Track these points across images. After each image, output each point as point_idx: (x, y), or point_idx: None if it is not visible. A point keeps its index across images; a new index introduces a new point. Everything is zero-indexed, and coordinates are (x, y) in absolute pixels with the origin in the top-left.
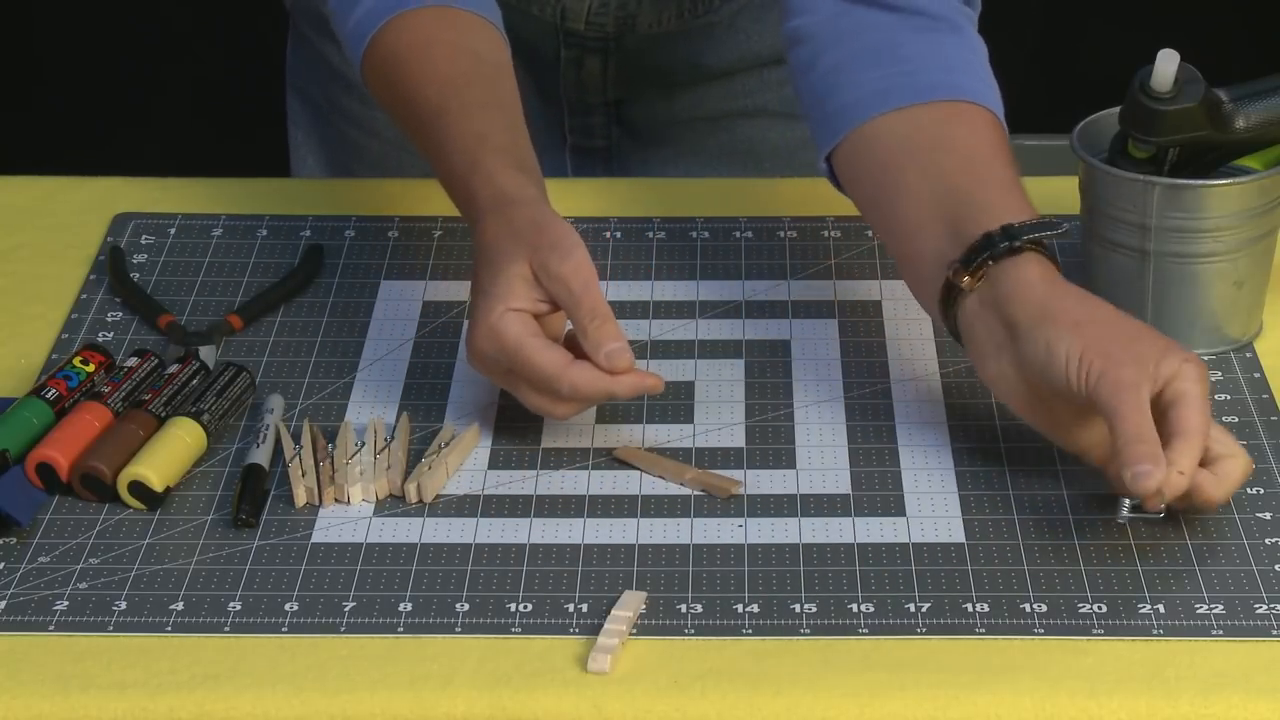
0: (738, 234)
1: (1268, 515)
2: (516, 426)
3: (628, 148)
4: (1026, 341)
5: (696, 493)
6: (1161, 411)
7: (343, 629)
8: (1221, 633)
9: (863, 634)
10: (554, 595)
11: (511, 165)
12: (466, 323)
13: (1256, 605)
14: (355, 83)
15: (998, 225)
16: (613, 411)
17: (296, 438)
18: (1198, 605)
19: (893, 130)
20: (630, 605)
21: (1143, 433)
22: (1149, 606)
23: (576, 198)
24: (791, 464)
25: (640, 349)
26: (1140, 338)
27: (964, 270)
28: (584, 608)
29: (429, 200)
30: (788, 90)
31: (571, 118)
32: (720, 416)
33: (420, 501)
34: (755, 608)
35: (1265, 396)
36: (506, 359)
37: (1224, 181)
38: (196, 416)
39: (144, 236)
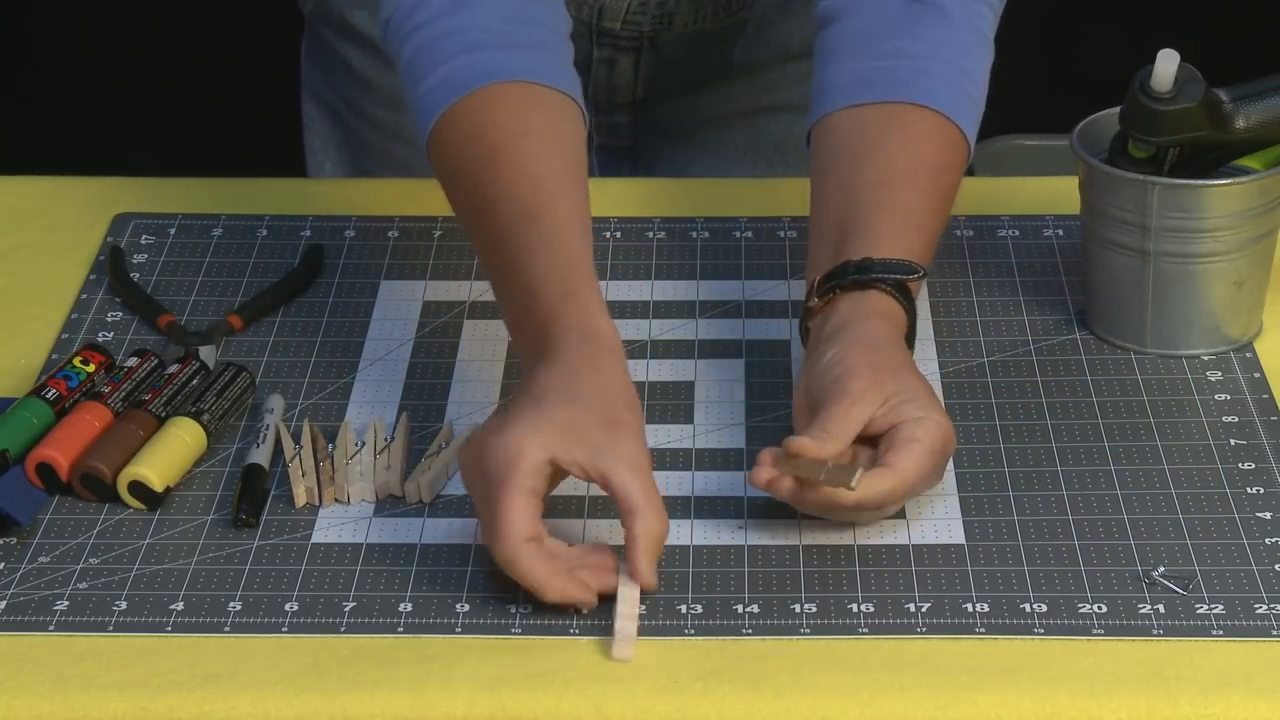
0: (738, 234)
1: (1268, 515)
2: None
3: (654, 146)
4: (825, 347)
5: (696, 493)
6: (883, 450)
7: (343, 629)
8: (1221, 633)
9: (863, 634)
10: None
11: (595, 314)
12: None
13: (1256, 605)
14: (377, 87)
15: (862, 256)
16: None
17: (296, 438)
18: (1197, 605)
19: (840, 128)
20: (630, 586)
21: (829, 426)
22: (1149, 607)
23: None
24: None
25: (640, 349)
26: (902, 380)
27: (815, 293)
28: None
29: (429, 200)
30: (811, 84)
31: (598, 118)
32: (720, 416)
33: (420, 502)
34: (755, 608)
35: (1265, 396)
36: (492, 483)
37: (1224, 181)
38: (196, 416)
39: (144, 236)
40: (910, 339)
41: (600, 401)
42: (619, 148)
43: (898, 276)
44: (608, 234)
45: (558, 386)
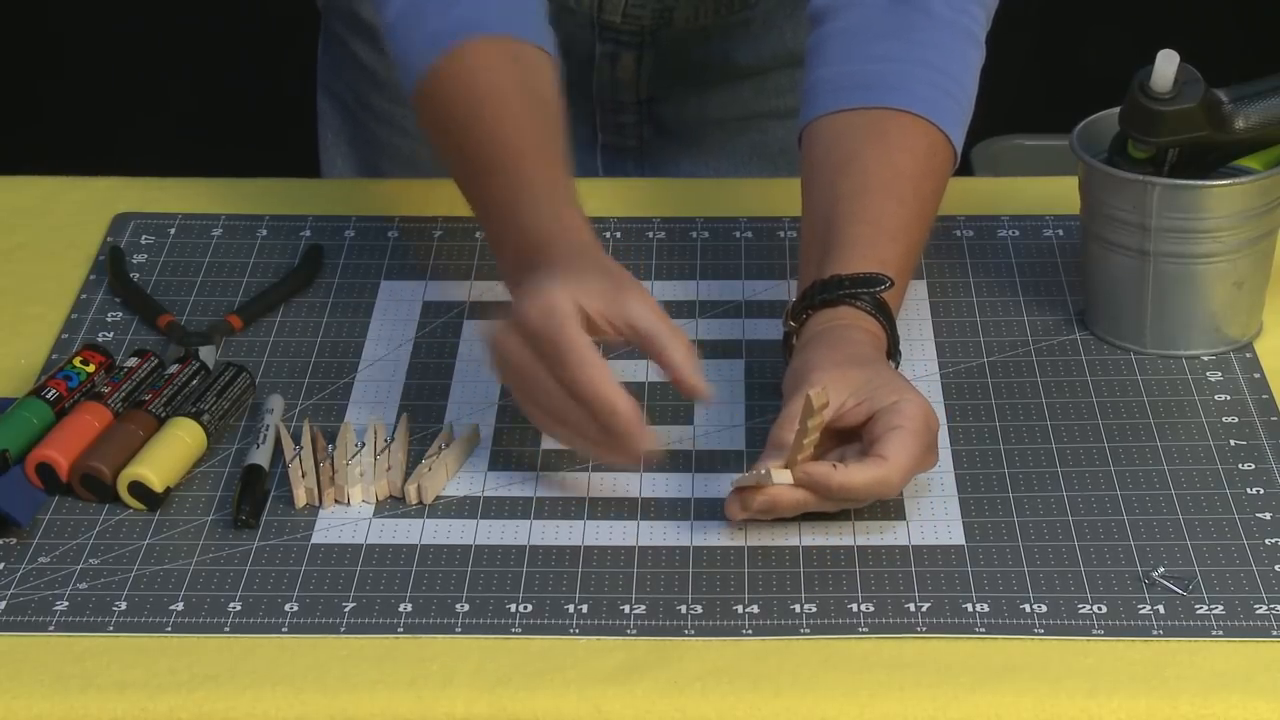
0: (738, 234)
1: (1267, 515)
2: (517, 427)
3: (660, 147)
4: (795, 360)
5: (696, 495)
6: (869, 443)
7: (343, 629)
8: (1221, 633)
9: (863, 634)
10: (554, 596)
11: (588, 226)
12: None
13: (1256, 605)
14: (385, 81)
15: (830, 274)
16: None
17: (296, 438)
18: (1197, 605)
19: (823, 137)
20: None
21: (792, 420)
22: (1148, 607)
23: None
24: None
25: None
26: (870, 369)
27: (790, 318)
28: (584, 608)
29: (429, 200)
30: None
31: (603, 116)
32: (720, 418)
33: (420, 503)
34: (755, 608)
35: (1265, 396)
36: (544, 337)
37: (1224, 182)
38: (196, 417)
39: (144, 236)
40: (892, 352)
41: (603, 269)
42: (624, 147)
43: (864, 290)
44: (608, 234)
45: (562, 266)
